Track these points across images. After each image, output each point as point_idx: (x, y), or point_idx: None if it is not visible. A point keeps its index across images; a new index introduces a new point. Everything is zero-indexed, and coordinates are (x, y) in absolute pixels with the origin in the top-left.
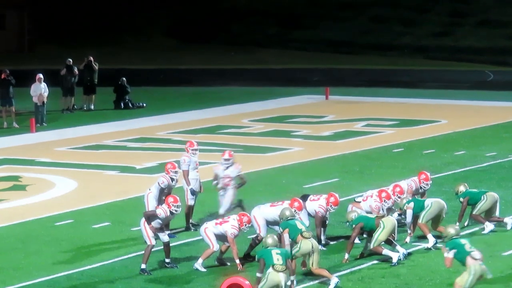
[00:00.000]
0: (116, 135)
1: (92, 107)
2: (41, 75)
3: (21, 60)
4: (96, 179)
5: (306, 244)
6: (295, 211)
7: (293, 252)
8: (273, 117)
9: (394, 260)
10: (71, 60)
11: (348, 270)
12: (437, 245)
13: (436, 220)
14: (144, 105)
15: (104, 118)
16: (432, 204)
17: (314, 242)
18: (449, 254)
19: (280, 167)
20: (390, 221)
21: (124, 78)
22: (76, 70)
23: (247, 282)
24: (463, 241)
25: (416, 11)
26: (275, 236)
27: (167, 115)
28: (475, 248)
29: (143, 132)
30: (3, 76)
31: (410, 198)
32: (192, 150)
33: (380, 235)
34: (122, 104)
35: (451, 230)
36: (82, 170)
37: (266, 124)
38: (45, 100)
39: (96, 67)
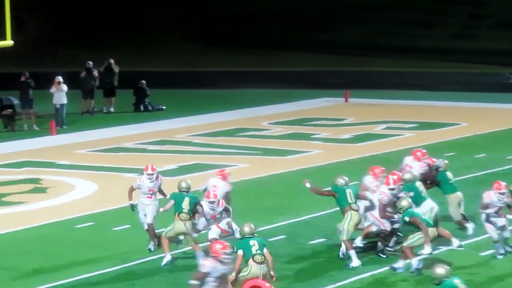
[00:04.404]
0: (135, 138)
1: (112, 109)
2: (60, 78)
3: (41, 63)
4: (116, 182)
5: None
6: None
7: (240, 274)
8: (293, 119)
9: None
10: (91, 63)
11: (369, 273)
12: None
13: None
14: (164, 107)
15: (124, 120)
16: (430, 210)
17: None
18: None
19: (300, 170)
20: (356, 214)
21: (143, 81)
22: (96, 72)
23: (267, 285)
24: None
25: (435, 13)
26: (252, 225)
27: (187, 117)
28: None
29: (162, 135)
30: (22, 78)
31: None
32: (147, 174)
33: (349, 227)
34: (141, 107)
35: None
36: (102, 172)
37: (285, 127)
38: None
39: (116, 70)
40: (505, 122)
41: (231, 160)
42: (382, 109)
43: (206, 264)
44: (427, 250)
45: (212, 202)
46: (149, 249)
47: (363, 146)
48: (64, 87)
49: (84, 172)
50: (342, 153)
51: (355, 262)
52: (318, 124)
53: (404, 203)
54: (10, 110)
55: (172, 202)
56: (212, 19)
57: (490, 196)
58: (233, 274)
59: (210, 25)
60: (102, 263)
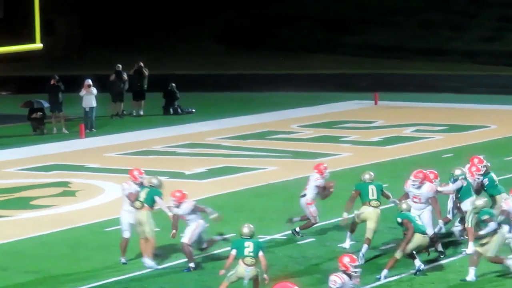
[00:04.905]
0: (165, 141)
1: (141, 112)
2: (90, 81)
3: (71, 66)
4: None
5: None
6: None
7: (228, 274)
8: (322, 122)
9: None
10: (120, 66)
11: (398, 276)
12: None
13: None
14: (193, 110)
15: (153, 123)
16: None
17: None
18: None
19: (329, 173)
20: (371, 210)
21: (173, 84)
22: (125, 75)
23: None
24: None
25: (465, 16)
26: (251, 226)
27: (216, 120)
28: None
29: (192, 138)
30: (52, 82)
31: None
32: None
33: (355, 218)
34: (171, 110)
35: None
36: None
37: (315, 130)
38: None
39: (146, 73)
40: None
41: (260, 163)
42: (412, 112)
43: (336, 280)
44: (399, 254)
45: (174, 203)
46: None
47: (393, 148)
48: (94, 90)
49: (113, 176)
50: (371, 155)
51: (346, 243)
52: (348, 126)
53: (404, 206)
54: (40, 113)
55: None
56: (242, 22)
57: None
58: (223, 271)
59: (240, 28)
60: (131, 266)
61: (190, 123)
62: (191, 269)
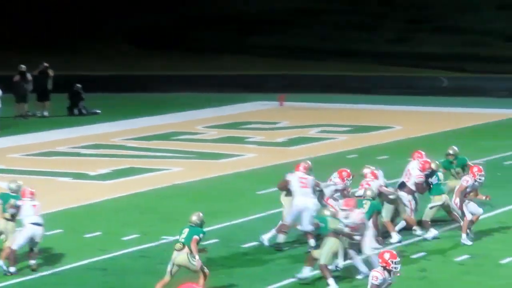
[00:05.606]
0: (69, 142)
1: (46, 113)
2: None
3: None
4: (49, 186)
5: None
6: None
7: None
8: (227, 123)
9: None
10: (24, 67)
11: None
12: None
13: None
14: (99, 111)
15: (58, 124)
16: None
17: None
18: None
19: (234, 173)
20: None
21: (78, 85)
22: (29, 76)
23: None
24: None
25: (373, 17)
26: (200, 214)
27: (122, 121)
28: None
29: (97, 139)
30: None
31: None
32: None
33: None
34: (76, 111)
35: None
36: (35, 177)
37: (219, 131)
38: None
39: (51, 74)
40: (439, 126)
41: (165, 163)
42: (317, 113)
43: (377, 276)
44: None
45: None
46: None
47: (297, 149)
48: None
49: (17, 177)
50: (276, 156)
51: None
52: (253, 127)
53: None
54: None
55: None
56: (151, 23)
57: None
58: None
59: (149, 29)
60: (29, 270)
61: (95, 124)
62: (8, 274)
